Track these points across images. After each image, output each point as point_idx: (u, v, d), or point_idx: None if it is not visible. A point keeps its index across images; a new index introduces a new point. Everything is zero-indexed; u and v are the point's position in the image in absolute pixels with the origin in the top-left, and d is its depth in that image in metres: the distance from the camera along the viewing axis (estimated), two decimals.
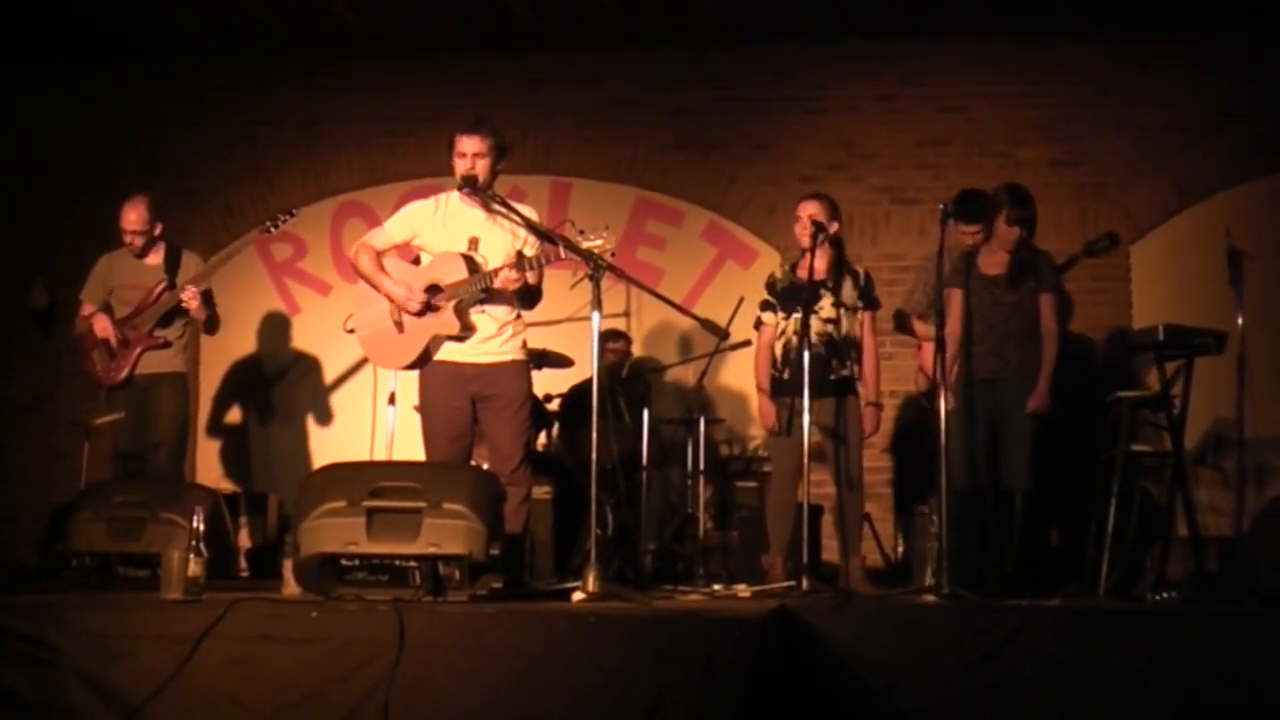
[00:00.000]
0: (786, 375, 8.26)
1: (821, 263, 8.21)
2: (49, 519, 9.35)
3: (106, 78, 11.97)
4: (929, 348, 8.43)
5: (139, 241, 9.03)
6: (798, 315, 8.15)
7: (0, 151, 11.94)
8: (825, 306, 8.19)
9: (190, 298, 8.78)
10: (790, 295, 8.31)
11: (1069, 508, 8.53)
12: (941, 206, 7.54)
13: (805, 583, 7.30)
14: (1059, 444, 8.18)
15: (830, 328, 8.15)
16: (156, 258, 9.11)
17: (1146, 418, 8.43)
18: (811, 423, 7.72)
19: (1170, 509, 8.16)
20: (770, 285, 8.46)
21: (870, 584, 8.39)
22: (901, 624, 5.68)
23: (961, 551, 7.55)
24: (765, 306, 8.43)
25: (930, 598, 6.86)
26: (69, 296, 10.46)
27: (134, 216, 9.02)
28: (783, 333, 8.34)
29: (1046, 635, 5.39)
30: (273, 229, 9.27)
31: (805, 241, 8.18)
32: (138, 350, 8.91)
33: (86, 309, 9.11)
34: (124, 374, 8.90)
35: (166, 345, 8.99)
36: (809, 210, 8.23)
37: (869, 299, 8.40)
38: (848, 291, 8.26)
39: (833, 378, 7.97)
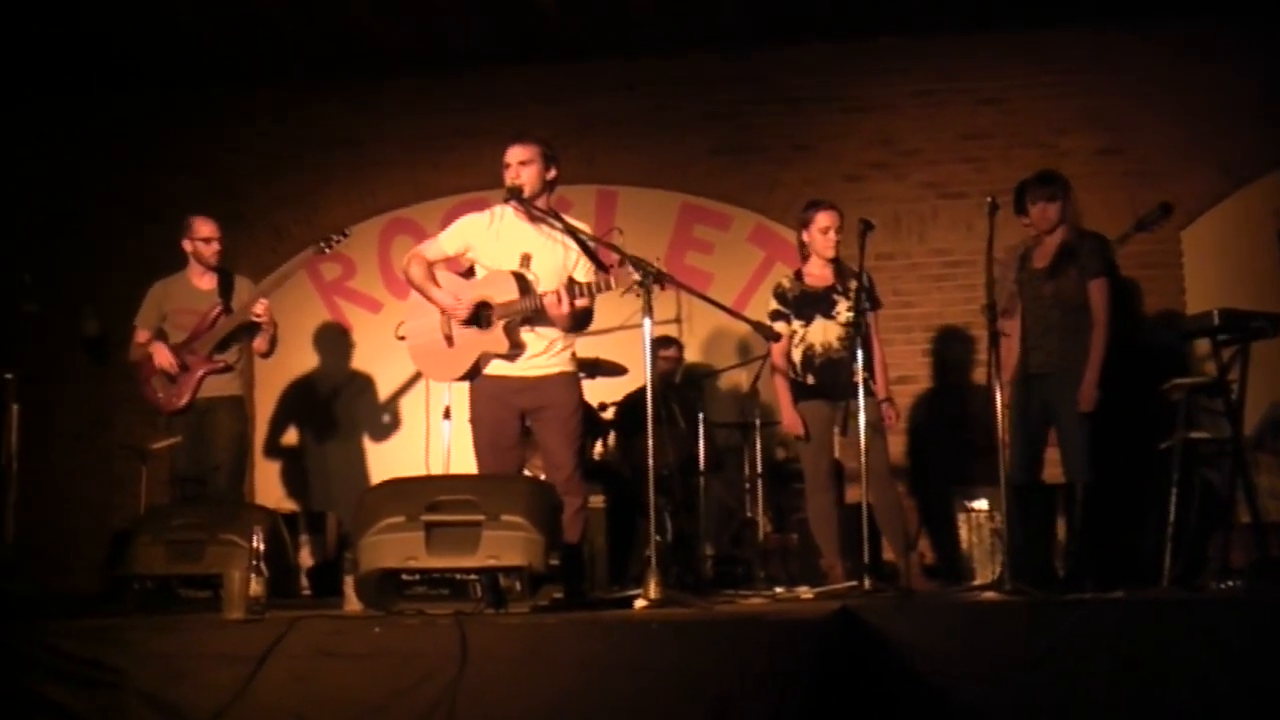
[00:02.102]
0: (810, 380, 8.29)
1: (828, 269, 8.30)
2: (109, 544, 9.40)
3: (150, 106, 12.06)
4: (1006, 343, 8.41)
5: (217, 247, 9.11)
6: (818, 321, 8.28)
7: (49, 181, 12.05)
8: (842, 310, 8.22)
9: (263, 310, 8.87)
10: (804, 303, 8.39)
11: (1128, 498, 8.48)
12: (988, 200, 7.50)
13: (866, 583, 7.30)
14: (1115, 434, 8.13)
15: (850, 330, 8.14)
16: (211, 282, 9.15)
17: (1203, 404, 8.36)
18: (851, 425, 7.76)
19: (1231, 496, 8.08)
20: (780, 294, 8.50)
21: (929, 582, 8.37)
22: (964, 621, 5.66)
23: (1022, 547, 7.53)
24: (776, 316, 8.45)
25: (992, 594, 6.83)
26: (121, 324, 10.52)
27: (208, 228, 9.11)
28: (801, 340, 8.36)
29: (1110, 629, 5.35)
30: (326, 249, 9.31)
31: (829, 252, 8.29)
32: (199, 374, 8.91)
33: (141, 335, 9.12)
34: (185, 400, 8.91)
35: (228, 369, 9.01)
36: (836, 221, 8.32)
37: (873, 299, 8.40)
38: (856, 292, 8.27)
39: (857, 379, 7.93)
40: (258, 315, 8.89)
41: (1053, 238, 8.06)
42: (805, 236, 8.44)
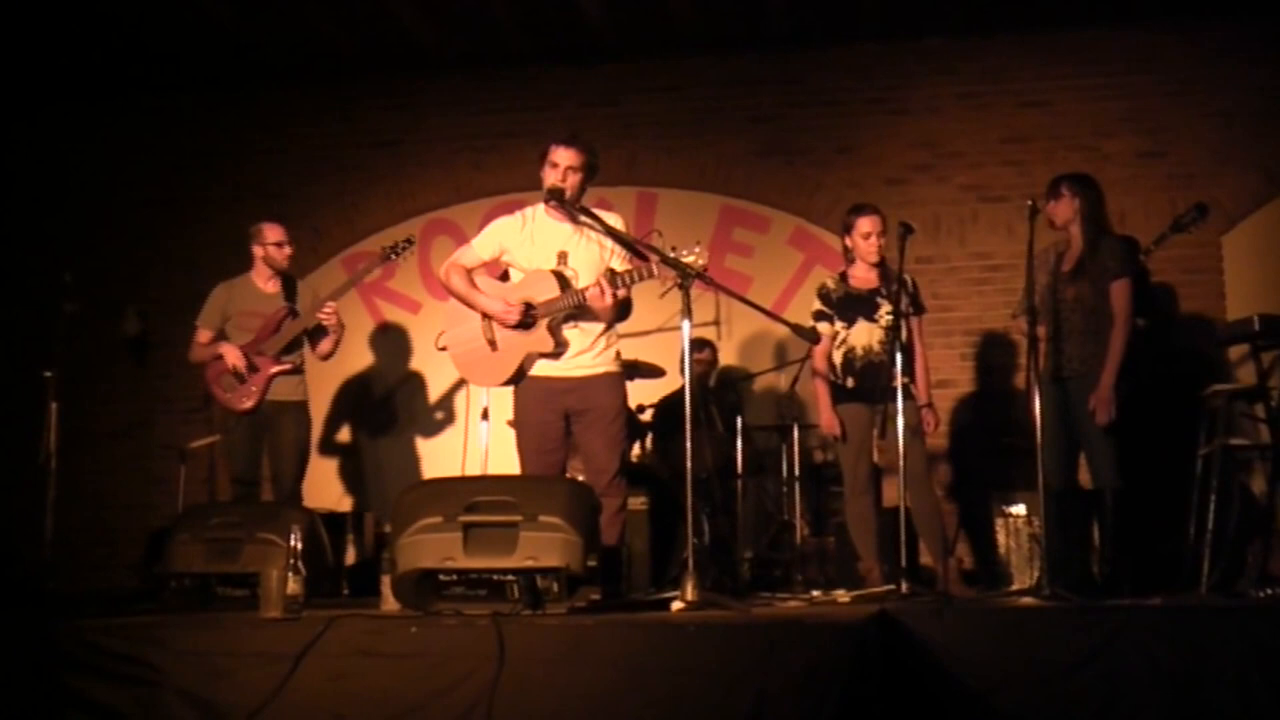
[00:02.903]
0: (849, 383, 8.28)
1: (873, 272, 8.28)
2: (147, 542, 9.46)
3: (190, 107, 12.14)
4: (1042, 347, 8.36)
5: (289, 251, 9.24)
6: (861, 324, 8.27)
7: (90, 182, 12.12)
8: (885, 314, 8.20)
9: (331, 313, 8.99)
10: (847, 305, 8.38)
11: (1166, 505, 8.44)
12: (1029, 203, 7.48)
13: (904, 587, 7.27)
14: (1154, 440, 8.08)
15: (892, 334, 8.12)
16: (275, 286, 9.25)
17: (1243, 411, 8.32)
18: (889, 429, 7.76)
19: (1271, 504, 8.03)
20: (824, 295, 8.49)
21: (967, 586, 8.35)
22: (1002, 626, 5.64)
23: (1060, 552, 7.49)
24: (819, 317, 8.45)
25: (1030, 599, 6.81)
26: (161, 324, 10.60)
27: (278, 233, 9.22)
28: (842, 342, 8.36)
29: (1149, 635, 5.33)
30: (394, 257, 9.41)
31: (872, 257, 8.29)
32: (267, 375, 8.98)
33: (203, 336, 9.18)
34: (253, 401, 8.96)
35: (296, 371, 9.13)
36: (878, 226, 8.33)
37: (917, 304, 8.41)
38: (894, 295, 8.25)
39: (895, 383, 7.91)
40: (326, 317, 8.99)
41: (1078, 241, 8.01)
42: (848, 241, 8.44)
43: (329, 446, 11.66)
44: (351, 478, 11.68)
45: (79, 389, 8.99)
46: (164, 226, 11.91)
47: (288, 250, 9.24)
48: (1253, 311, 8.00)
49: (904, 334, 8.14)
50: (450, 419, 11.45)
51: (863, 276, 8.41)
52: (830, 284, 8.50)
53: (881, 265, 8.38)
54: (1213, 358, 10.01)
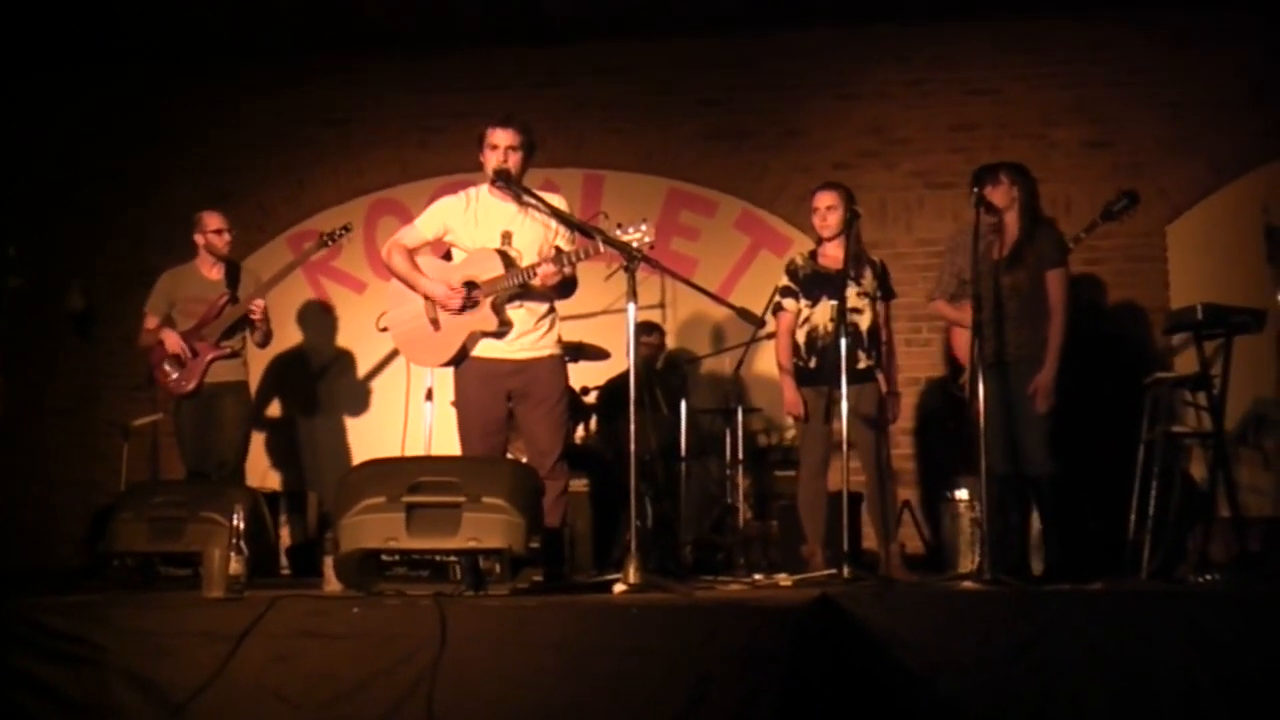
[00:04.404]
0: (813, 364, 8.26)
1: (842, 251, 8.25)
2: (90, 520, 9.42)
3: (139, 81, 12.04)
4: (959, 332, 8.38)
5: (228, 238, 9.39)
6: (825, 303, 8.21)
7: (35, 156, 12.02)
8: (850, 296, 8.17)
9: (258, 309, 9.13)
10: (813, 283, 8.33)
11: (1108, 491, 8.49)
12: (974, 191, 7.50)
13: (846, 571, 7.29)
14: (1096, 427, 8.12)
15: (855, 317, 8.12)
16: (219, 272, 9.40)
17: (1186, 398, 8.38)
18: (834, 411, 7.77)
19: (1211, 490, 8.10)
20: (792, 272, 8.45)
21: (909, 571, 8.37)
22: (943, 611, 5.67)
23: (1001, 537, 7.51)
24: (786, 293, 8.42)
25: (971, 584, 6.84)
26: (107, 300, 10.54)
27: (218, 221, 9.40)
28: (805, 320, 8.33)
29: (1089, 620, 5.37)
30: (330, 243, 9.69)
31: (827, 232, 8.26)
32: (206, 360, 9.13)
33: (151, 322, 9.32)
34: (193, 384, 9.12)
35: (234, 355, 9.28)
36: (827, 200, 8.28)
37: (886, 289, 8.40)
38: (868, 281, 8.25)
39: (859, 366, 7.92)
40: (252, 313, 9.13)
41: (1012, 227, 7.99)
42: (813, 220, 8.43)
43: (261, 424, 11.61)
44: (280, 455, 11.66)
45: (23, 365, 8.94)
46: (110, 201, 11.83)
47: (227, 237, 9.40)
48: (1196, 300, 8.06)
49: (871, 317, 8.19)
50: (387, 401, 11.40)
51: (833, 255, 8.34)
52: (799, 261, 8.48)
53: (854, 247, 8.31)
54: (1156, 346, 10.09)
